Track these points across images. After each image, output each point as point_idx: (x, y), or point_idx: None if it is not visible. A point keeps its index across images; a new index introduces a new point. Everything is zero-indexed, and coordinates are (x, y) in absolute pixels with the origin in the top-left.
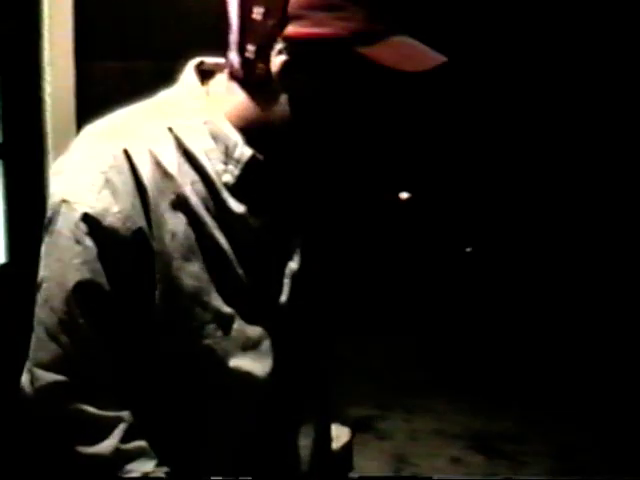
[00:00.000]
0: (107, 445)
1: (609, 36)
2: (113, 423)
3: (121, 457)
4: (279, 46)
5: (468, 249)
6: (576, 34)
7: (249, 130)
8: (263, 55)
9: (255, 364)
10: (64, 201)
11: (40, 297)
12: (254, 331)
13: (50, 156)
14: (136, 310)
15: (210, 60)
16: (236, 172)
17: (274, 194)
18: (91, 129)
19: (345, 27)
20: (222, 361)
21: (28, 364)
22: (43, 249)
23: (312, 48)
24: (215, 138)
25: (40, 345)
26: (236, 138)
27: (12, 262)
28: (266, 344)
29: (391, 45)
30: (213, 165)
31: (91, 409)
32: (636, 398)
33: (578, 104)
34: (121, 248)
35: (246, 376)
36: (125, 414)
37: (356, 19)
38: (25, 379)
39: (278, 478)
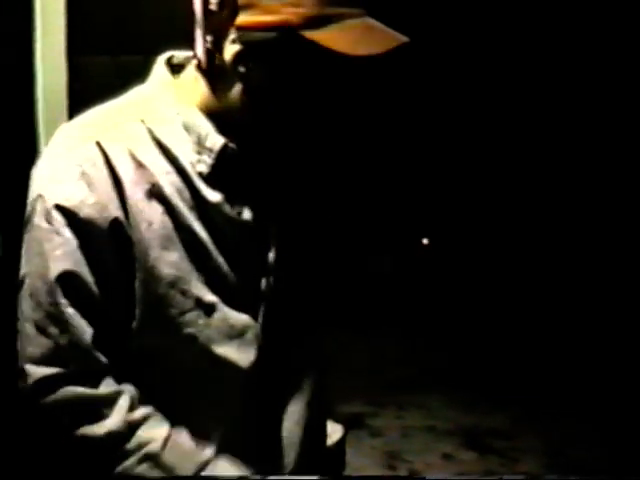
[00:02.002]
0: (114, 420)
1: (609, 36)
2: (114, 398)
3: (132, 427)
4: (232, 36)
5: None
6: (575, 34)
7: (218, 119)
8: (219, 45)
9: (239, 353)
10: (40, 196)
11: (24, 293)
12: (238, 319)
13: (42, 151)
14: (118, 299)
15: (180, 54)
16: (210, 161)
17: (250, 182)
18: (66, 126)
19: (294, 13)
20: (206, 349)
21: (19, 363)
22: (24, 246)
23: (263, 36)
24: (187, 129)
25: (29, 341)
26: (207, 128)
27: (4, 256)
28: (251, 333)
29: (344, 29)
30: (187, 156)
31: (89, 391)
32: (628, 393)
33: (570, 100)
34: (99, 238)
35: (230, 364)
36: (124, 387)
37: (307, 4)
38: (19, 380)
39: (265, 466)
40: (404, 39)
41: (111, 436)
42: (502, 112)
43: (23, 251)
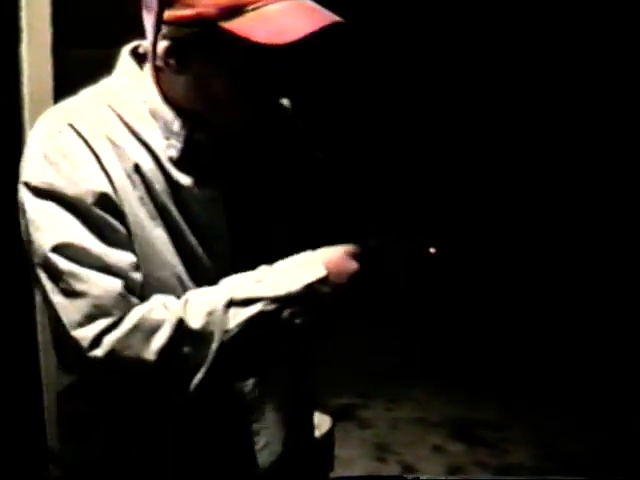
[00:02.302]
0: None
1: (609, 36)
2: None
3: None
4: (163, 31)
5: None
6: (574, 34)
7: (178, 108)
8: (155, 41)
9: None
10: (26, 184)
11: (39, 273)
12: None
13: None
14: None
15: (146, 43)
16: (179, 145)
17: (218, 165)
18: (42, 117)
19: (211, 5)
20: None
21: (66, 338)
22: (24, 235)
23: (184, 31)
24: (154, 116)
25: (65, 310)
26: (171, 114)
27: None
28: None
29: (263, 16)
30: (156, 141)
31: (140, 313)
32: (617, 385)
33: (570, 100)
34: (92, 212)
35: None
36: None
37: None
38: (74, 352)
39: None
40: (333, 19)
41: (178, 324)
42: (502, 113)
43: (25, 238)
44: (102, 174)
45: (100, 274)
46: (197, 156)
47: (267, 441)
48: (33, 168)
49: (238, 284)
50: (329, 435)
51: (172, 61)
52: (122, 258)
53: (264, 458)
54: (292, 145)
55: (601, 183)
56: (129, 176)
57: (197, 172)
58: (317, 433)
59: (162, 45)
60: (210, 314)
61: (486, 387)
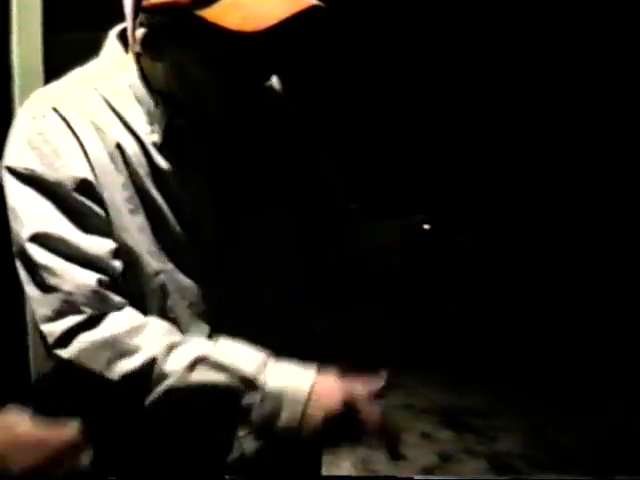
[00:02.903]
0: (149, 348)
1: (609, 36)
2: (140, 328)
3: (169, 347)
4: (140, 18)
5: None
6: (575, 34)
7: (161, 93)
8: (134, 27)
9: (192, 323)
10: (8, 168)
11: (18, 261)
12: (190, 288)
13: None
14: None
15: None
16: (161, 131)
17: (205, 150)
18: (27, 101)
19: None
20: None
21: (40, 329)
22: (10, 221)
23: (159, 19)
24: (139, 100)
25: (38, 303)
26: (153, 100)
27: None
28: (204, 304)
29: (238, 3)
30: (140, 126)
31: (115, 330)
32: (605, 373)
33: (571, 99)
34: (72, 198)
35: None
36: (148, 318)
37: None
38: (45, 343)
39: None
40: (309, 3)
41: (149, 362)
42: (503, 115)
43: (10, 224)
44: (83, 159)
45: (75, 267)
46: (180, 141)
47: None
48: (15, 152)
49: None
50: None
51: (149, 48)
52: (101, 246)
53: (248, 444)
54: (282, 129)
55: (602, 178)
56: (112, 161)
57: (181, 158)
58: None
59: (139, 32)
60: (186, 368)
61: (475, 375)
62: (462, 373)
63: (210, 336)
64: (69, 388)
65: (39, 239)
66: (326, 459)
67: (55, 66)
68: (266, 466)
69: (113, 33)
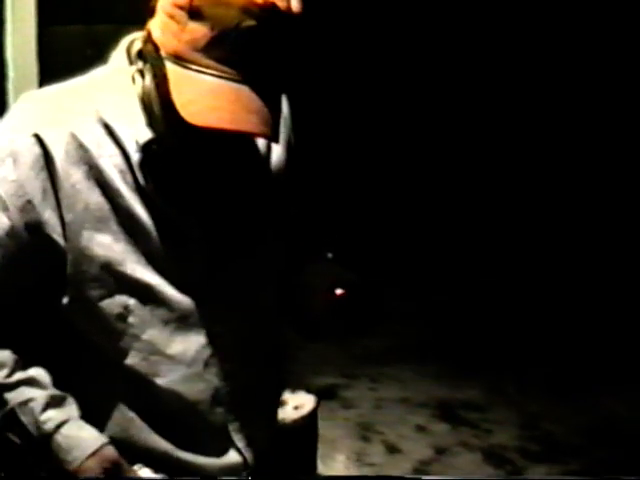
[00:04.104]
0: None
1: (609, 36)
2: None
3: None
4: (145, 34)
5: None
6: (575, 34)
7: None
8: (141, 39)
9: (178, 339)
10: None
11: None
12: (180, 303)
13: None
14: (42, 279)
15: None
16: (141, 153)
17: (192, 169)
18: (18, 106)
19: (170, 41)
20: (136, 334)
21: None
22: None
23: (149, 47)
24: (135, 115)
25: None
26: (141, 120)
27: None
28: (193, 318)
29: (199, 82)
30: (130, 141)
31: None
32: (601, 367)
33: (569, 100)
34: (14, 216)
35: (166, 352)
36: (4, 354)
37: (183, 39)
38: None
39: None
40: (250, 129)
41: None
42: (503, 117)
43: None
44: (46, 180)
45: None
46: (166, 159)
47: (249, 438)
48: None
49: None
50: (313, 415)
51: (139, 64)
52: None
53: (248, 454)
54: (266, 149)
55: (600, 175)
56: (87, 180)
57: (167, 175)
58: (301, 413)
59: (137, 46)
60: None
61: (471, 368)
62: (457, 366)
63: (198, 350)
64: None
65: None
66: (321, 453)
67: (49, 58)
68: (263, 462)
69: (123, 44)
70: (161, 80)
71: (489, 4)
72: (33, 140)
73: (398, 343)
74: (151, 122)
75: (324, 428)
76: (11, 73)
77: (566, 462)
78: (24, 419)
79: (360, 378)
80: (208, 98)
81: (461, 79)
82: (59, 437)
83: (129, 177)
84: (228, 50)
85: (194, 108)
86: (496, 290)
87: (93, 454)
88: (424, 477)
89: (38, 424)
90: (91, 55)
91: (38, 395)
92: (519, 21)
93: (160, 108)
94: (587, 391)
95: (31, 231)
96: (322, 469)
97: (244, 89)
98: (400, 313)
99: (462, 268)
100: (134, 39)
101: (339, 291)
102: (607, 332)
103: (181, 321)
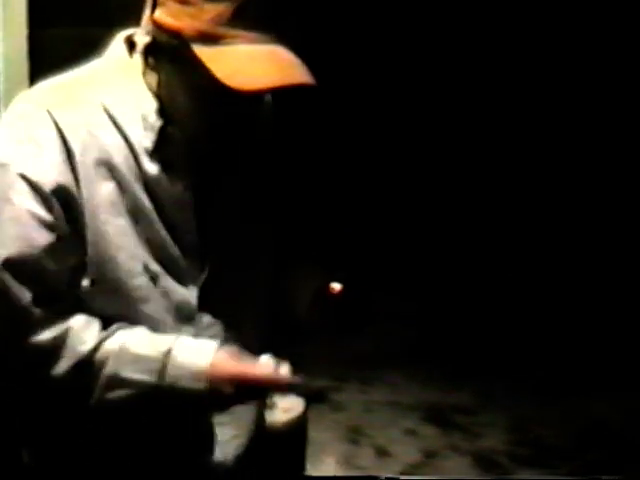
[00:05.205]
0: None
1: (609, 36)
2: (61, 337)
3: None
4: (148, 28)
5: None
6: (575, 34)
7: (159, 100)
8: (144, 33)
9: (177, 327)
10: None
11: None
12: (178, 294)
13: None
14: (69, 261)
15: (139, 32)
16: (152, 137)
17: (193, 160)
18: (22, 95)
19: (190, 24)
20: (151, 317)
21: None
22: None
23: (162, 37)
24: (136, 105)
25: None
26: (152, 106)
27: None
28: (189, 309)
29: (232, 52)
30: (134, 131)
31: (36, 339)
32: (591, 371)
33: (571, 99)
34: (47, 201)
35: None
36: (71, 322)
37: (203, 18)
38: None
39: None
40: (300, 79)
41: (69, 374)
42: (503, 117)
43: None
44: (66, 164)
45: (18, 285)
46: (169, 149)
47: (234, 434)
48: (2, 146)
49: (142, 356)
50: (302, 418)
51: (150, 58)
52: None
53: (229, 450)
54: (267, 147)
55: (598, 179)
56: (98, 167)
57: (169, 165)
58: (290, 416)
59: (144, 40)
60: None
61: (461, 372)
62: (447, 370)
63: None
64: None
65: (9, 263)
66: (310, 455)
67: (40, 61)
68: (250, 465)
69: (120, 36)
70: (186, 65)
71: (489, 4)
72: (49, 121)
73: (388, 346)
74: (165, 108)
75: (313, 431)
76: (2, 76)
77: (555, 465)
78: (142, 350)
79: (350, 381)
80: (251, 64)
81: (459, 83)
82: (180, 347)
83: (133, 167)
84: (253, 17)
85: (241, 77)
86: (487, 294)
87: (218, 349)
88: (413, 477)
89: (155, 345)
90: (82, 58)
91: (137, 329)
92: (519, 21)
93: (184, 91)
94: (576, 395)
95: (68, 212)
96: (311, 472)
97: (277, 48)
98: (391, 316)
99: (454, 272)
100: (132, 33)
101: (336, 286)
102: (597, 337)
103: (177, 311)
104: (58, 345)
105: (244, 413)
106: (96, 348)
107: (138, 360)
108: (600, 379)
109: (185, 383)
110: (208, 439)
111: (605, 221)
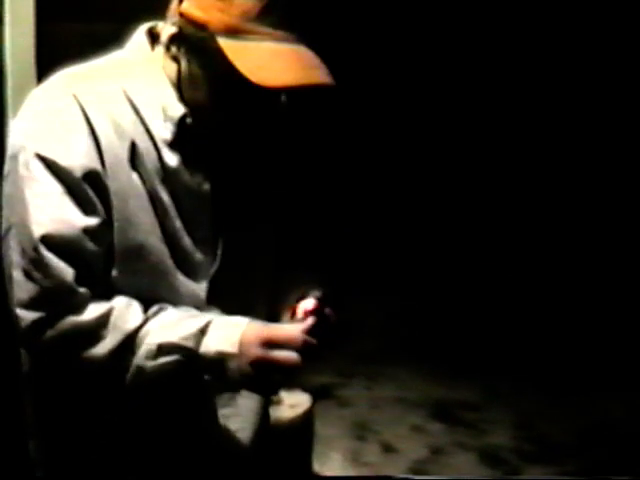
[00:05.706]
0: (111, 339)
1: (609, 36)
2: (106, 317)
3: (130, 336)
4: (175, 19)
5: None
6: (575, 34)
7: (179, 91)
8: (169, 24)
9: None
10: (22, 147)
11: (11, 242)
12: (187, 288)
13: (10, 118)
14: (99, 245)
15: (162, 25)
16: (172, 128)
17: (209, 153)
18: (46, 83)
19: (218, 18)
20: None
21: (13, 308)
22: (6, 197)
23: (189, 29)
24: (158, 96)
25: (19, 287)
26: (172, 97)
27: None
28: (202, 302)
29: (258, 48)
30: (155, 122)
31: (79, 318)
32: (596, 367)
33: (570, 99)
34: (79, 187)
35: None
36: (113, 303)
37: (232, 13)
38: (16, 323)
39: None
40: (322, 80)
41: (112, 353)
42: (503, 116)
43: (5, 201)
44: (95, 150)
45: (60, 262)
46: (189, 141)
47: (239, 427)
48: (30, 133)
49: (181, 327)
50: (308, 414)
51: (173, 48)
52: (92, 240)
53: (235, 443)
54: (280, 146)
55: (597, 180)
56: (124, 155)
57: (187, 157)
58: (297, 412)
59: (169, 30)
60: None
61: (466, 368)
62: (453, 366)
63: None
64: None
65: (46, 239)
66: (316, 451)
67: (47, 57)
68: (256, 460)
69: (142, 28)
70: (210, 57)
71: (489, 5)
72: (77, 107)
73: (395, 343)
74: (185, 100)
75: (320, 427)
76: (9, 71)
77: (561, 462)
78: (181, 330)
79: (356, 377)
80: (275, 61)
81: (459, 83)
82: (217, 320)
83: (153, 157)
84: (279, 15)
85: (265, 73)
86: (493, 291)
87: (248, 322)
88: (419, 477)
89: (196, 319)
90: (90, 53)
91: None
92: (519, 22)
93: (206, 84)
94: (582, 392)
95: (99, 198)
96: (318, 468)
97: (301, 48)
98: (397, 313)
99: (460, 269)
100: (154, 25)
101: (308, 304)
102: (602, 334)
103: (187, 304)
104: (103, 324)
105: (248, 406)
106: (140, 326)
107: (178, 326)
108: (606, 376)
109: (220, 347)
110: (212, 432)
111: (607, 221)
